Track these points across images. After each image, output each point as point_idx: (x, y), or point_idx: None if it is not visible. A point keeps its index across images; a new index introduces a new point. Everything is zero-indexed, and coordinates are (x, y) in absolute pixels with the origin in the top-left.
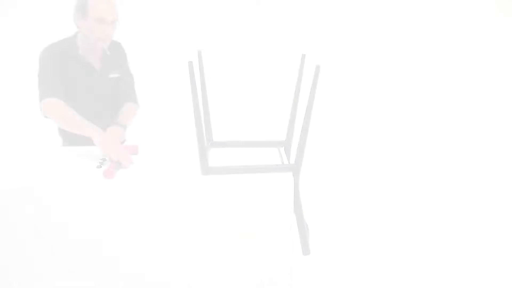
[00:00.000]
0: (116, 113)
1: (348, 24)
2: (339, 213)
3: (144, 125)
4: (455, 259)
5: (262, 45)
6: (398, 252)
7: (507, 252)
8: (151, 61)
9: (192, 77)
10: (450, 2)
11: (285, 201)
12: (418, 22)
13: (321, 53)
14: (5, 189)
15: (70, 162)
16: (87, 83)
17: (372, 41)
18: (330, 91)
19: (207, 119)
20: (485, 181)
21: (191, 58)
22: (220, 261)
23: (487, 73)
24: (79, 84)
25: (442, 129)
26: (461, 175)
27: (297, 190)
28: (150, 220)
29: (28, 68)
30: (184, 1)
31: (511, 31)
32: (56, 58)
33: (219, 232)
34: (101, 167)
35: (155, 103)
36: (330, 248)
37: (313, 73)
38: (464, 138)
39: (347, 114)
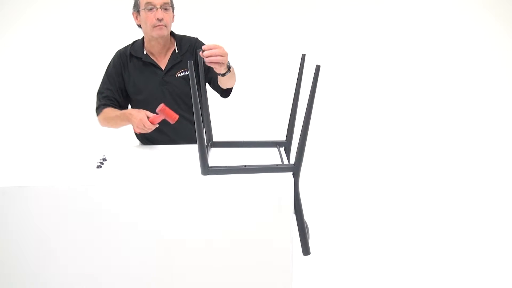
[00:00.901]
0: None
1: (348, 24)
2: (339, 213)
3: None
4: (454, 259)
5: (262, 45)
6: (397, 252)
7: (507, 252)
8: None
9: (192, 77)
10: (449, 3)
11: (285, 201)
12: (418, 22)
13: (321, 53)
14: (4, 188)
15: (70, 162)
16: (153, 83)
17: (372, 41)
18: (330, 91)
19: (207, 119)
20: (485, 181)
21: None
22: (220, 262)
23: (488, 74)
24: (144, 85)
25: (442, 130)
26: (460, 175)
27: (297, 190)
28: (150, 220)
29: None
30: (184, 1)
31: (510, 33)
32: (122, 59)
33: (219, 233)
34: (101, 167)
35: None
36: (330, 248)
37: (313, 73)
38: (462, 138)
39: (347, 114)
